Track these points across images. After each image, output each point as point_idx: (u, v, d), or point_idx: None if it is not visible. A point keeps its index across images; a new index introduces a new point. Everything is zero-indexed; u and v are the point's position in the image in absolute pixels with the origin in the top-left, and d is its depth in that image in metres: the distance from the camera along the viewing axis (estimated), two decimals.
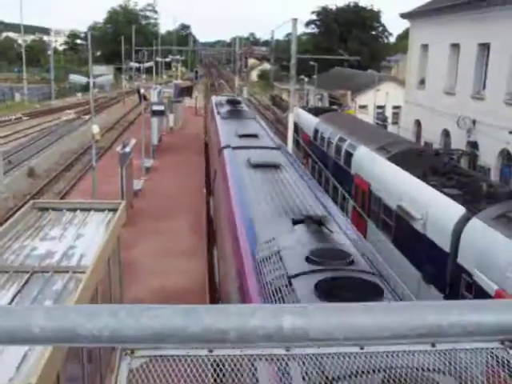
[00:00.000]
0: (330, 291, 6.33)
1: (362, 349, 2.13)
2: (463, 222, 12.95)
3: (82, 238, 11.56)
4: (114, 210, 13.13)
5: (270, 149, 16.93)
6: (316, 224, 8.93)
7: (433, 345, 2.13)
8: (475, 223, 12.53)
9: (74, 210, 13.19)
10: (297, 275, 7.05)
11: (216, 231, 15.22)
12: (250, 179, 12.87)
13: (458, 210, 13.37)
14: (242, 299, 7.96)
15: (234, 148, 16.41)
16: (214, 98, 33.63)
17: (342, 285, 6.60)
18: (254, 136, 18.94)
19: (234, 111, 25.76)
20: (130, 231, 20.60)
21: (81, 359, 9.42)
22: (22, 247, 10.92)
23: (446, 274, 13.48)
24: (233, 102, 29.44)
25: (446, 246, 13.45)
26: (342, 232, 9.20)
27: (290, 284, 6.90)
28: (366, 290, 6.58)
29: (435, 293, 13.96)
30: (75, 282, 9.37)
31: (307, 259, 7.41)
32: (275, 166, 13.90)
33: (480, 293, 11.69)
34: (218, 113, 25.59)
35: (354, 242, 8.87)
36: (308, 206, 10.60)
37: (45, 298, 8.80)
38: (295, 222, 9.15)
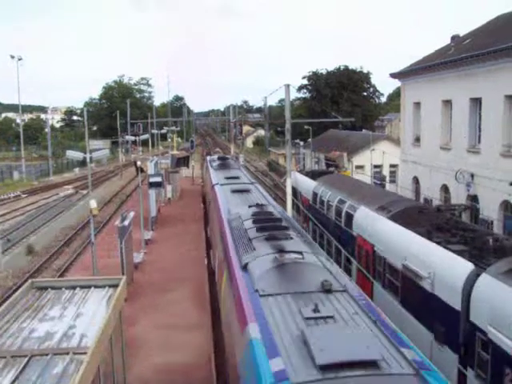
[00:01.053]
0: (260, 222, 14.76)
1: None
2: (473, 278, 12.64)
3: (82, 316, 11.21)
4: (115, 286, 12.83)
5: (245, 184, 25.83)
6: (260, 206, 18.17)
7: None
8: (486, 279, 12.22)
9: (74, 287, 12.87)
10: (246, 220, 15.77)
11: (209, 222, 26.73)
12: (231, 198, 21.40)
13: (467, 266, 13.08)
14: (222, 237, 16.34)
15: (222, 184, 25.36)
16: (209, 157, 45.04)
17: (266, 219, 15.41)
18: (236, 178, 28.05)
19: (223, 164, 35.49)
20: (131, 306, 20.17)
21: None
22: (20, 329, 10.56)
23: (458, 333, 13.05)
24: (222, 158, 39.39)
25: (456, 304, 13.08)
26: (275, 209, 18.59)
27: (243, 224, 15.31)
28: (281, 226, 14.58)
29: (449, 353, 13.49)
30: (76, 364, 8.99)
31: (253, 217, 15.77)
32: (247, 191, 22.97)
33: (497, 351, 11.27)
34: (211, 166, 35.13)
35: (283, 213, 18.85)
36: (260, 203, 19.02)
37: (44, 382, 8.41)
38: (250, 206, 18.14)
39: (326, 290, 9.74)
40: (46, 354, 9.31)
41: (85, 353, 9.24)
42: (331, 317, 8.54)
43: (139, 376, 15.17)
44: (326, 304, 9.20)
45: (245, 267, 11.63)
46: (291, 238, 13.14)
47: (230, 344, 10.78)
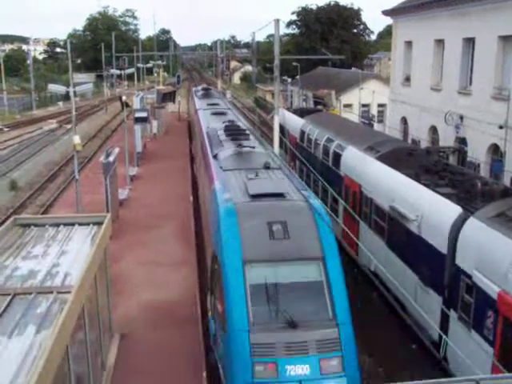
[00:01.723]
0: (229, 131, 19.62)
1: None
2: (460, 222, 12.62)
3: (66, 254, 11.03)
4: (100, 224, 12.62)
5: (223, 109, 29.79)
6: (232, 122, 22.73)
7: None
8: (473, 223, 12.19)
9: (58, 225, 12.64)
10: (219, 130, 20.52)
11: (193, 138, 34.32)
12: (210, 118, 25.55)
13: (455, 209, 13.04)
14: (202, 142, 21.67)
15: (204, 109, 29.70)
16: (194, 88, 52.21)
17: (234, 129, 20.37)
18: (216, 104, 32.79)
19: (206, 93, 40.31)
20: (116, 243, 20.07)
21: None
22: (3, 267, 10.38)
23: (444, 276, 13.13)
24: (206, 89, 43.87)
25: (443, 248, 13.11)
26: (243, 124, 23.31)
27: (217, 132, 20.05)
28: (243, 133, 19.46)
29: (434, 295, 13.62)
30: (60, 303, 8.85)
31: (224, 128, 20.21)
32: (224, 113, 27.02)
33: (481, 295, 11.34)
34: (196, 95, 40.45)
35: (249, 127, 22.98)
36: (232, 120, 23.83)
37: (27, 322, 8.27)
38: (223, 122, 21.74)
39: (266, 167, 14.88)
40: (30, 293, 9.15)
41: (69, 292, 9.10)
42: (276, 188, 12.93)
43: (125, 314, 15.20)
44: (265, 174, 14.29)
45: (215, 156, 17.18)
46: (249, 140, 18.70)
47: (204, 195, 17.94)
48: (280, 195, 12.56)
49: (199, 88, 46.07)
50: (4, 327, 8.11)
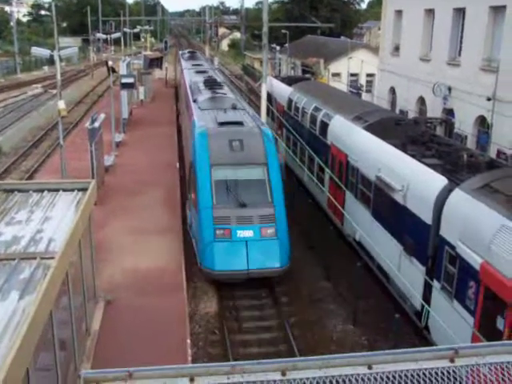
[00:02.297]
0: (207, 83, 26.33)
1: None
2: (445, 193, 12.65)
3: (50, 220, 10.96)
4: (84, 190, 12.52)
5: (205, 68, 36.32)
6: (210, 77, 30.22)
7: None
8: (458, 194, 12.23)
9: (42, 190, 12.53)
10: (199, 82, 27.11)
11: (179, 89, 43.67)
12: (194, 76, 30.62)
13: (440, 180, 13.06)
14: (185, 92, 28.16)
15: (189, 69, 35.33)
16: (181, 51, 58.38)
17: (212, 81, 27.18)
18: (200, 65, 38.34)
19: (192, 56, 46.72)
20: (101, 209, 20.01)
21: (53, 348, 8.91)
22: None
23: (427, 246, 13.22)
24: (192, 52, 51.24)
25: (427, 218, 13.17)
26: (220, 79, 30.50)
27: (198, 85, 26.21)
28: (219, 84, 26.51)
29: (417, 265, 13.73)
30: (43, 269, 8.83)
31: (204, 81, 27.12)
32: (206, 72, 32.78)
33: (464, 266, 11.45)
34: (183, 57, 45.99)
35: (225, 80, 31.99)
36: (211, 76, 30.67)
37: (11, 288, 8.25)
38: (204, 77, 28.86)
39: (233, 107, 20.50)
40: (13, 259, 9.11)
41: (52, 257, 9.07)
42: (237, 119, 18.54)
43: (109, 280, 15.22)
44: (231, 111, 19.96)
45: (195, 100, 22.38)
46: (223, 89, 24.98)
47: (186, 129, 23.89)
48: (240, 123, 18.32)
49: (186, 51, 54.17)
50: None
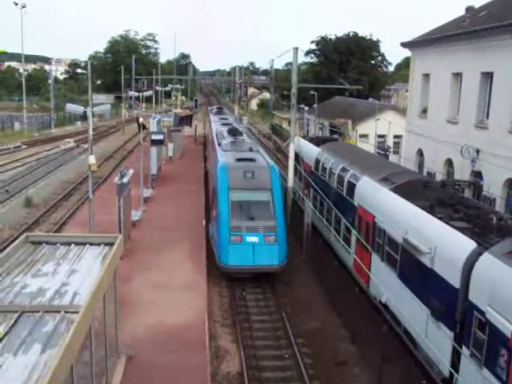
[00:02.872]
0: (230, 132, 32.20)
1: None
2: (474, 256, 12.44)
3: (76, 274, 11.01)
4: (111, 244, 12.61)
5: (230, 120, 43.02)
6: (232, 126, 36.34)
7: None
8: (487, 258, 12.01)
9: (69, 244, 12.64)
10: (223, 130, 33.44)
11: (206, 137, 51.43)
12: (220, 126, 36.75)
13: (469, 244, 12.87)
14: (212, 138, 34.20)
15: (216, 121, 41.36)
16: (209, 107, 66.30)
17: (233, 130, 32.75)
18: (226, 118, 44.49)
19: (219, 111, 52.94)
20: (127, 263, 20.07)
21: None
22: (12, 284, 10.37)
23: (456, 311, 12.93)
24: (219, 108, 57.21)
25: (455, 282, 12.93)
26: (241, 128, 37.21)
27: (222, 132, 32.70)
28: (239, 132, 32.66)
29: (445, 330, 13.39)
30: (67, 323, 8.81)
31: (227, 130, 33.02)
32: (230, 124, 38.60)
33: (494, 332, 11.14)
34: (211, 112, 52.65)
35: (244, 128, 40.55)
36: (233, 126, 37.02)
37: (34, 340, 8.23)
38: (227, 127, 35.04)
39: (250, 149, 26.58)
40: (37, 311, 9.12)
41: (77, 311, 9.06)
42: (251, 157, 24.51)
43: (132, 335, 15.11)
44: (248, 152, 25.84)
45: (219, 144, 28.10)
46: (242, 135, 31.43)
47: (211, 165, 29.72)
48: (253, 160, 24.31)
49: (214, 107, 61.54)
50: (10, 345, 8.06)
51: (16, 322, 8.75)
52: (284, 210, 22.53)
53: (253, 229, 21.20)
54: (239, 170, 22.65)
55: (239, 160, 23.78)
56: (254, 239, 21.08)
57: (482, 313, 11.66)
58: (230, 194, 21.87)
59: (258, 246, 20.97)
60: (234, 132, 31.56)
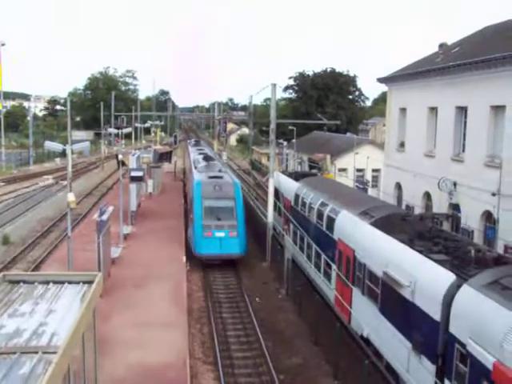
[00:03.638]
0: (205, 158, 40.18)
1: None
2: (454, 289, 12.51)
3: (54, 313, 10.82)
4: (90, 283, 12.44)
5: (205, 151, 50.82)
6: (207, 154, 44.12)
7: None
8: (467, 290, 12.08)
9: (47, 282, 12.45)
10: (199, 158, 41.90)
11: (184, 162, 63.31)
12: (196, 155, 44.49)
13: (448, 276, 12.95)
14: (190, 164, 43.23)
15: (194, 152, 48.80)
16: (188, 140, 79.35)
17: (207, 157, 40.95)
18: (202, 149, 52.10)
19: (196, 143, 62.88)
20: (106, 301, 19.81)
21: None
22: None
23: (437, 344, 12.93)
24: (197, 141, 69.05)
25: (436, 315, 12.96)
26: (214, 155, 49.03)
27: (198, 159, 41.45)
28: (212, 158, 41.26)
29: (427, 364, 13.36)
30: (44, 364, 8.62)
31: (202, 157, 40.82)
32: (204, 153, 46.08)
33: (476, 365, 11.14)
34: (190, 144, 61.64)
35: (215, 155, 51.20)
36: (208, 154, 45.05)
37: (10, 383, 8.04)
38: (203, 156, 41.73)
39: (219, 170, 34.11)
40: (14, 353, 8.92)
41: (54, 352, 8.88)
42: (219, 175, 32.33)
43: (111, 375, 14.83)
44: (218, 172, 33.26)
45: (195, 167, 36.34)
46: (214, 161, 39.13)
47: (188, 181, 39.95)
48: (221, 177, 31.30)
49: (192, 140, 73.45)
50: None
51: None
52: (243, 214, 29.13)
53: (220, 226, 28.36)
54: (210, 184, 29.94)
55: (210, 177, 31.11)
56: (221, 234, 28.11)
57: (463, 345, 11.68)
58: (203, 201, 29.01)
59: (224, 239, 28.05)
60: (207, 158, 39.48)
